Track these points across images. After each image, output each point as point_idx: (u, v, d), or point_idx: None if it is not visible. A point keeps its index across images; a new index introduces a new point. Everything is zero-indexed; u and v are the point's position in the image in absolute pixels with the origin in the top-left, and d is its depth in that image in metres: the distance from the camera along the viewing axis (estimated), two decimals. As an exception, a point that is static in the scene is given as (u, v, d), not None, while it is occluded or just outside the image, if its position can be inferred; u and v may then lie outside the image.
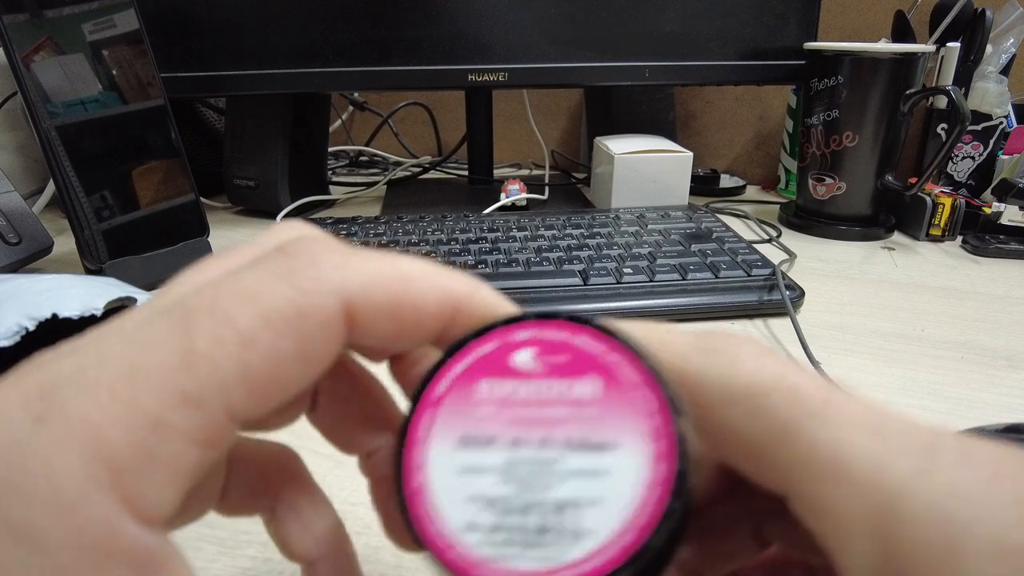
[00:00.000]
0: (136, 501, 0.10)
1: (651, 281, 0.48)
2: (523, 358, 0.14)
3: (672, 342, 0.14)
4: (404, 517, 0.13)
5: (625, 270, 0.49)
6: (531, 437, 0.13)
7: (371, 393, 0.18)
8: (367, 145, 0.95)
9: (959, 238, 0.63)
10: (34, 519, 0.09)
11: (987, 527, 0.10)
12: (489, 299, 0.15)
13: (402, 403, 0.16)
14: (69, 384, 0.11)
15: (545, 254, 0.52)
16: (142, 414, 0.10)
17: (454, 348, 0.14)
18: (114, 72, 0.48)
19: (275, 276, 0.12)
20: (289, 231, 0.15)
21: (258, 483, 0.17)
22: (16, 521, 0.09)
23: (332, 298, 0.12)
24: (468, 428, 0.13)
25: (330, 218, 0.61)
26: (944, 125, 0.70)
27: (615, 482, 0.12)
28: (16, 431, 0.10)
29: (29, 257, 0.53)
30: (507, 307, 0.15)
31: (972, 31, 0.66)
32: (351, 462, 0.18)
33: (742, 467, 0.14)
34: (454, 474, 0.13)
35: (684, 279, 0.48)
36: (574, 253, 0.52)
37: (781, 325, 0.45)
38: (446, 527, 0.12)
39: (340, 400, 0.17)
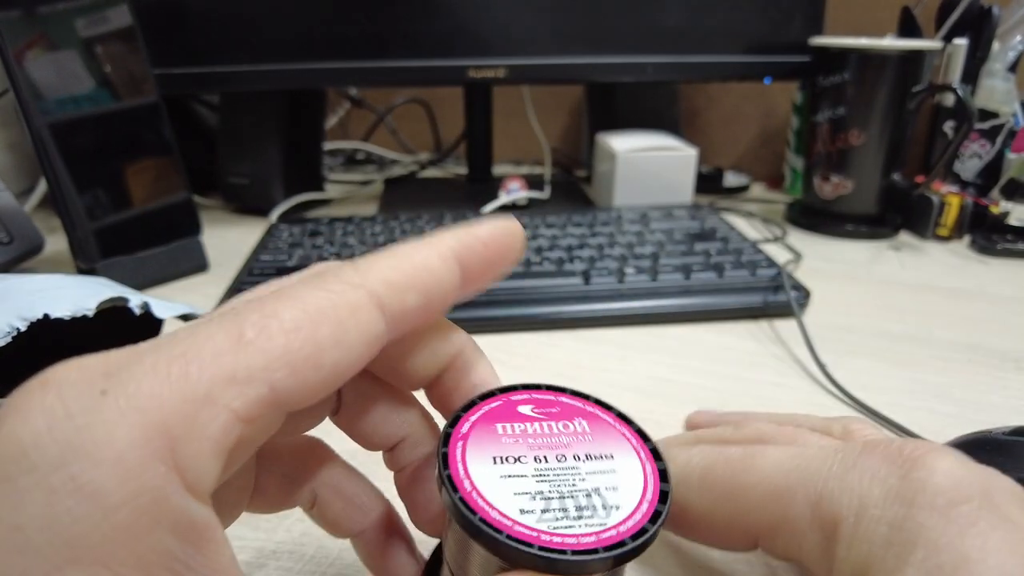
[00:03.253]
0: (186, 472, 0.11)
1: (654, 282, 0.47)
2: (526, 409, 0.19)
3: None
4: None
5: (627, 270, 0.48)
6: (550, 454, 0.17)
7: (391, 391, 0.19)
8: (364, 142, 0.94)
9: (966, 238, 0.62)
10: (98, 480, 0.10)
11: None
12: None
13: (421, 398, 0.19)
14: (129, 366, 0.12)
15: (545, 254, 0.51)
16: (193, 390, 0.12)
17: (468, 405, 0.18)
18: (107, 68, 0.48)
19: (310, 284, 0.14)
20: (317, 266, 0.17)
21: (295, 471, 0.19)
22: (83, 480, 0.10)
23: (359, 291, 0.14)
24: (498, 451, 0.17)
25: (326, 217, 0.60)
26: (951, 123, 0.69)
27: (623, 475, 0.17)
28: (84, 401, 0.11)
29: (20, 256, 0.52)
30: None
31: (978, 28, 0.65)
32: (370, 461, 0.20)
33: None
34: (496, 480, 0.16)
35: (687, 280, 0.47)
36: (575, 253, 0.51)
37: (787, 326, 0.45)
38: (504, 513, 0.15)
39: (363, 399, 0.19)
